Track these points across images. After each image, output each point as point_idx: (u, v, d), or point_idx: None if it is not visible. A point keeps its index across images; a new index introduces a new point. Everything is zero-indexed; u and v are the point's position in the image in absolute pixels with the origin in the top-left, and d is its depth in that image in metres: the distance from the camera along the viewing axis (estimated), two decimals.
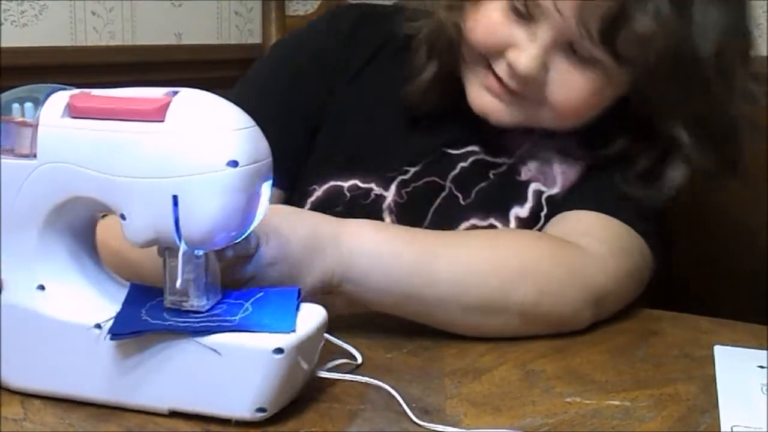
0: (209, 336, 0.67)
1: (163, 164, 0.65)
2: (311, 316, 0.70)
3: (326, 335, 0.74)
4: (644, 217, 0.98)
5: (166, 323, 0.68)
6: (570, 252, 0.88)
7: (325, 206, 1.02)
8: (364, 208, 1.02)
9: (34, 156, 0.68)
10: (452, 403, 0.74)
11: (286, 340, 0.66)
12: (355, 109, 1.08)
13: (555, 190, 1.02)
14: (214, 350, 0.66)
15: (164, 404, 0.69)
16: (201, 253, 0.68)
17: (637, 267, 0.94)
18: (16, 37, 1.45)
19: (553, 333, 0.89)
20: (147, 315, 0.69)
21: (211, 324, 0.67)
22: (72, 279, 0.72)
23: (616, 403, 0.75)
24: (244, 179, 0.65)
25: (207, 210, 0.65)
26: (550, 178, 1.02)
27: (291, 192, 1.06)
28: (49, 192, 0.69)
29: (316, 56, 1.09)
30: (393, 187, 1.03)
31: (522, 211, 1.01)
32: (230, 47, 1.69)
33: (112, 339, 0.68)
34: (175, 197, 0.65)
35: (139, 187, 0.65)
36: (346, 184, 1.04)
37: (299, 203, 1.05)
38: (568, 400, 0.76)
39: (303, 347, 0.68)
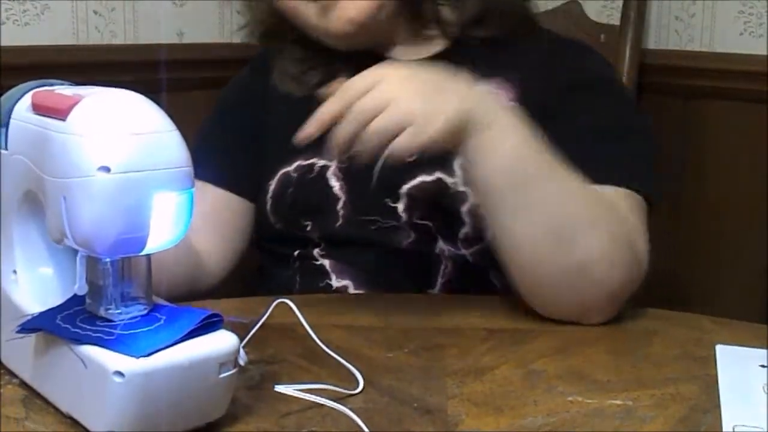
0: (81, 346, 0.65)
1: (59, 164, 0.64)
2: (202, 345, 0.66)
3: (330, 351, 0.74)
4: (632, 162, 1.02)
5: (55, 326, 0.67)
6: (638, 233, 0.94)
7: (279, 194, 1.09)
8: (312, 181, 1.07)
9: (6, 147, 0.72)
10: (453, 402, 0.74)
11: (129, 365, 0.62)
12: (282, 108, 1.13)
13: None
14: (82, 360, 0.64)
15: (63, 407, 0.69)
16: (107, 259, 0.66)
17: (647, 236, 0.96)
18: (18, 36, 1.46)
19: (576, 310, 0.91)
20: (62, 319, 0.68)
21: (89, 334, 0.65)
22: (42, 268, 0.74)
23: (618, 402, 0.75)
24: (120, 186, 0.62)
25: (82, 215, 0.63)
26: None
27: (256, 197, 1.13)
28: (17, 182, 0.71)
29: (242, 88, 1.19)
30: None
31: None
32: (232, 46, 1.69)
33: (17, 332, 0.69)
34: (64, 198, 0.64)
35: (49, 185, 0.65)
36: (291, 168, 1.09)
37: (263, 200, 1.11)
38: (570, 399, 0.76)
39: (158, 376, 0.63)
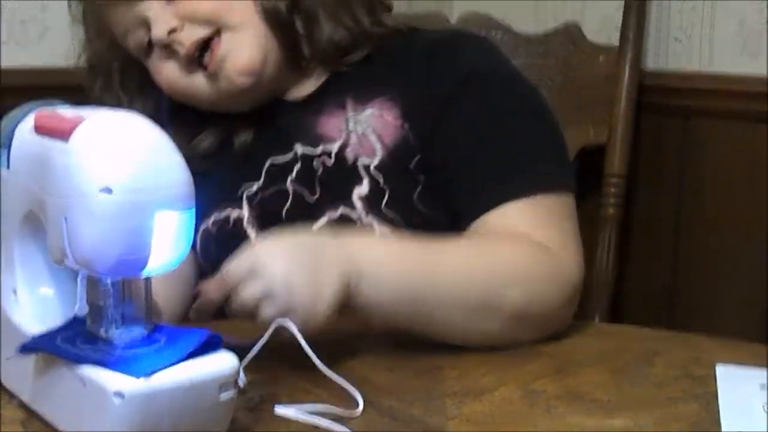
0: (81, 366, 0.65)
1: (61, 184, 0.64)
2: (203, 367, 0.66)
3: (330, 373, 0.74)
4: (536, 161, 1.01)
5: (55, 346, 0.67)
6: (543, 252, 0.93)
7: (205, 251, 1.08)
8: (230, 234, 1.06)
9: (8, 167, 0.72)
10: (454, 423, 0.74)
11: (129, 386, 0.62)
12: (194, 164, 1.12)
13: (378, 158, 1.04)
14: (82, 381, 0.65)
15: (60, 426, 0.69)
16: (108, 280, 0.67)
17: (576, 230, 0.98)
18: (17, 58, 1.46)
19: (538, 337, 0.92)
20: (62, 339, 0.68)
21: (89, 354, 0.66)
22: (43, 288, 0.74)
23: (619, 423, 0.75)
24: (122, 207, 0.62)
25: (84, 235, 0.63)
26: (368, 148, 1.05)
27: None
28: (18, 202, 0.72)
29: None
30: (245, 205, 1.07)
31: (362, 189, 1.04)
32: None
33: (18, 353, 0.69)
34: (65, 218, 0.64)
35: (50, 206, 0.66)
36: (209, 223, 1.08)
37: (196, 256, 1.09)
38: (570, 420, 0.75)
39: (159, 397, 0.63)
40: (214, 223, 1.08)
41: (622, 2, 1.61)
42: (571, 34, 1.64)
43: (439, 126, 1.03)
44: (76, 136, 0.64)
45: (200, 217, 1.07)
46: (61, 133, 0.65)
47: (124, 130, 0.65)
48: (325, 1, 1.07)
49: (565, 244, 0.95)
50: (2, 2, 1.46)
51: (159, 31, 1.02)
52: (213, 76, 1.04)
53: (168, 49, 1.03)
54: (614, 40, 1.63)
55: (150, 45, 1.05)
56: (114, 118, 0.66)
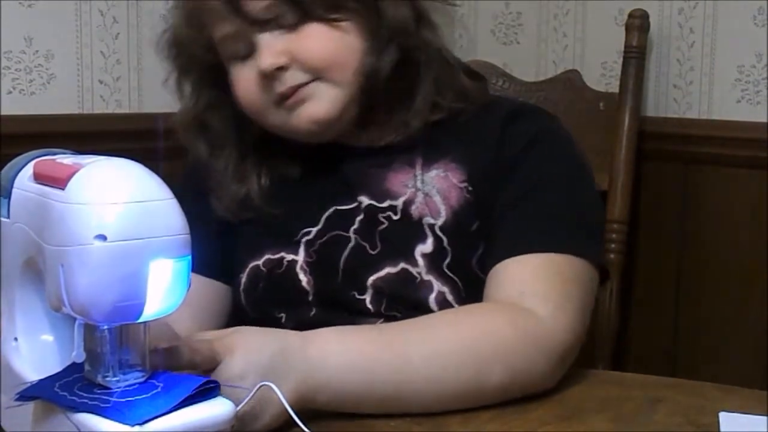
0: (77, 414, 0.65)
1: (58, 232, 0.64)
2: (198, 414, 0.66)
3: None
4: (566, 224, 1.01)
5: (52, 393, 0.67)
6: (527, 320, 0.91)
7: (251, 288, 1.08)
8: (281, 276, 1.06)
9: (8, 216, 0.72)
10: None
11: None
12: None
13: (442, 219, 1.04)
14: (78, 429, 0.64)
15: None
16: (104, 327, 0.67)
17: (585, 298, 0.97)
18: (24, 105, 1.48)
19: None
20: (60, 386, 0.68)
21: (85, 402, 0.66)
22: (43, 335, 0.74)
23: None
24: (116, 254, 0.63)
25: (79, 283, 0.63)
26: (433, 208, 1.05)
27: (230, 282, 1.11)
28: (18, 250, 0.72)
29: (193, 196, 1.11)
30: (301, 249, 1.06)
31: (426, 247, 1.04)
32: None
33: (16, 401, 0.69)
34: (62, 266, 0.64)
35: (48, 254, 0.66)
36: (260, 261, 1.08)
37: (236, 291, 1.10)
38: None
39: None
40: (265, 263, 1.07)
41: (622, 50, 1.62)
42: (571, 81, 1.66)
43: (499, 192, 1.03)
44: (72, 183, 0.64)
45: (252, 255, 1.08)
46: (58, 181, 0.65)
47: (120, 177, 0.65)
48: (431, 73, 1.07)
49: (561, 305, 0.93)
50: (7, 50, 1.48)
51: (266, 63, 1.01)
52: (288, 110, 1.03)
53: (265, 76, 1.02)
54: (614, 87, 1.65)
55: (243, 56, 1.04)
56: (110, 165, 0.67)
